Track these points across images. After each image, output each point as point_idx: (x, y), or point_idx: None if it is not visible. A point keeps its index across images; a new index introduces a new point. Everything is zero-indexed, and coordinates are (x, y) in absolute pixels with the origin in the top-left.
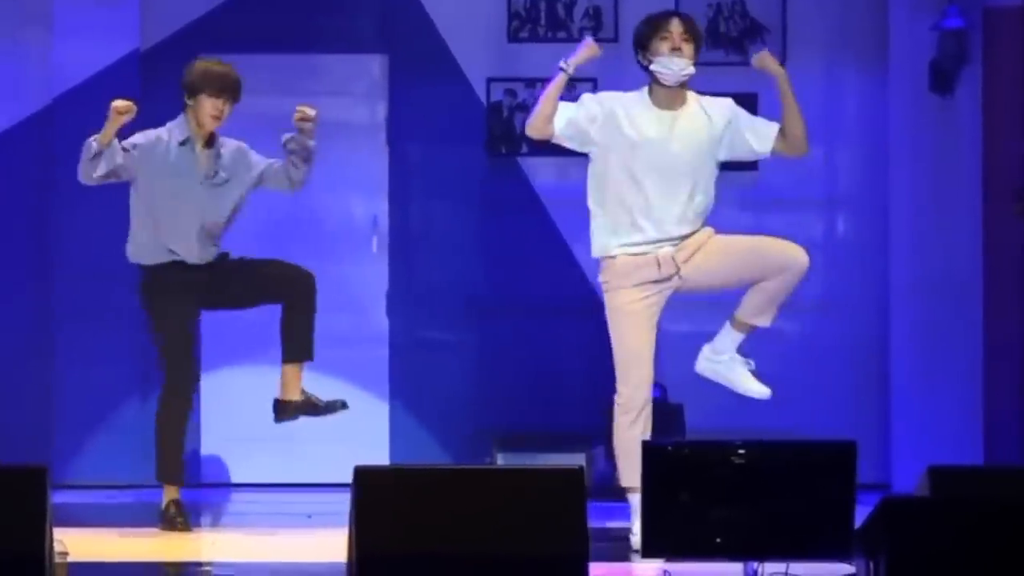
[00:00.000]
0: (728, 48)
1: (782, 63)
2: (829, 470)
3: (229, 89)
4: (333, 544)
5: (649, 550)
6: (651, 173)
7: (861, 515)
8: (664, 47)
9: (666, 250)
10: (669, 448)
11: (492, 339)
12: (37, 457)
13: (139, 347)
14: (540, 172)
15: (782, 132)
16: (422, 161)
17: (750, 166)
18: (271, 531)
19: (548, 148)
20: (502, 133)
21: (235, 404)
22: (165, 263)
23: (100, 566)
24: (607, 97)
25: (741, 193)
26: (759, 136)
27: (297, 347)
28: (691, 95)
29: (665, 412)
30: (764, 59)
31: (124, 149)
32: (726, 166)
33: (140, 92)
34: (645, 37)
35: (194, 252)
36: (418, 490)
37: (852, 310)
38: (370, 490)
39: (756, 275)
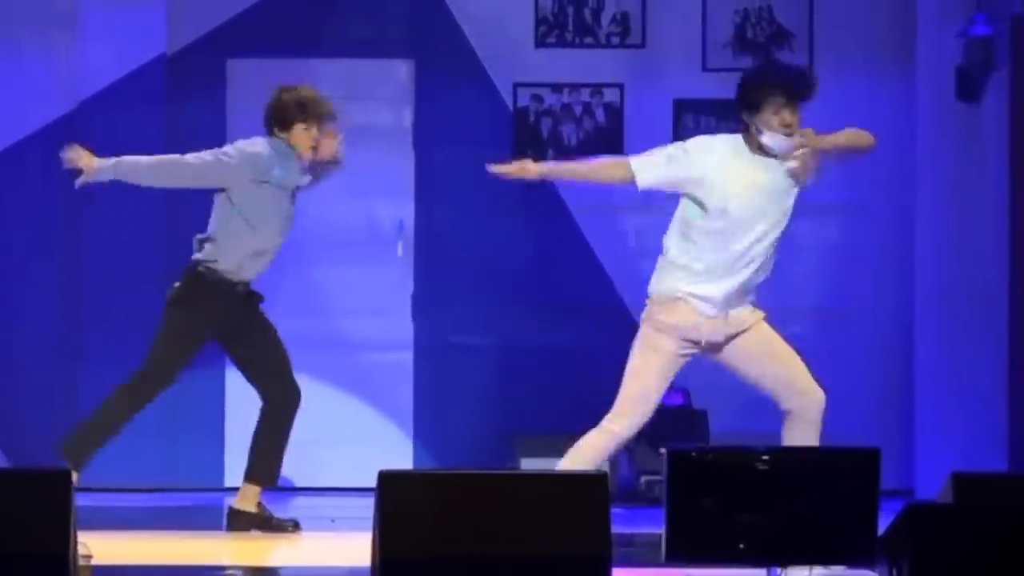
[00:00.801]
0: (756, 54)
1: (808, 67)
2: (853, 476)
3: (325, 116)
4: (357, 548)
5: (673, 555)
6: (739, 233)
7: (884, 521)
8: (775, 122)
9: (718, 323)
10: (693, 454)
11: (516, 343)
12: (63, 460)
13: None
14: None
15: None
16: (448, 165)
17: None
18: (296, 534)
19: (574, 155)
20: (528, 138)
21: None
22: (227, 271)
23: (123, 568)
24: (697, 156)
25: None
26: None
27: (264, 471)
28: None
29: (689, 418)
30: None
31: (225, 155)
32: None
33: (165, 96)
34: (755, 100)
35: (258, 268)
36: (442, 494)
37: (878, 316)
38: (394, 494)
39: (771, 383)
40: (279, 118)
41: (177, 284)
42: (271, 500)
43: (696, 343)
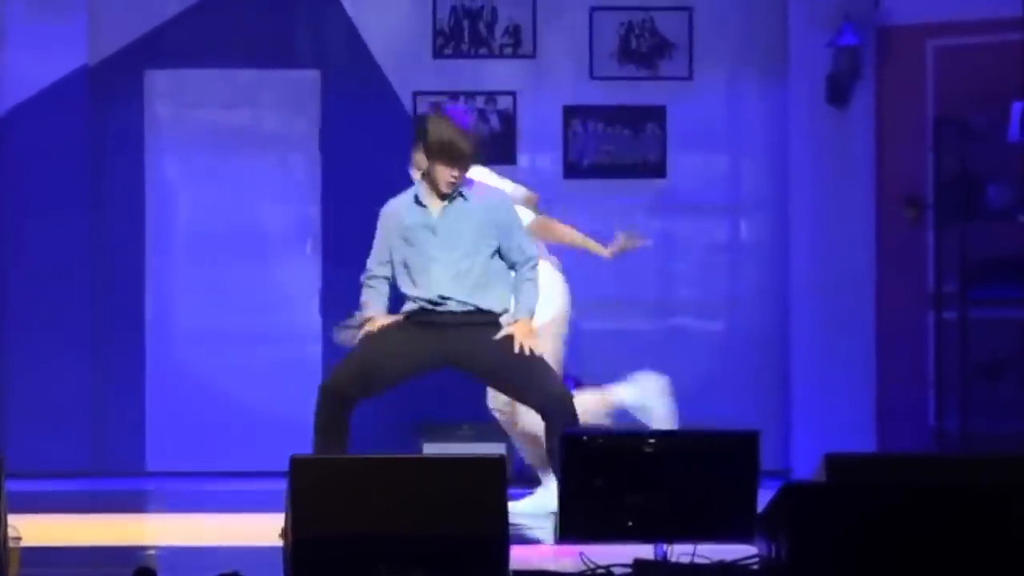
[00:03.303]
0: (639, 63)
1: (689, 77)
2: (734, 458)
3: (466, 157)
4: (272, 527)
5: (566, 533)
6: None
7: (764, 499)
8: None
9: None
10: (584, 438)
11: None
12: None
13: (87, 344)
14: None
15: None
16: (352, 168)
17: (659, 173)
18: (214, 515)
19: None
20: None
21: (181, 396)
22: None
23: (50, 550)
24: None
25: (650, 199)
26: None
27: None
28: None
29: None
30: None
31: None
32: (634, 173)
33: (88, 106)
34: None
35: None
36: (350, 477)
37: (755, 308)
38: (305, 477)
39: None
40: None
41: None
42: (190, 485)
43: None
